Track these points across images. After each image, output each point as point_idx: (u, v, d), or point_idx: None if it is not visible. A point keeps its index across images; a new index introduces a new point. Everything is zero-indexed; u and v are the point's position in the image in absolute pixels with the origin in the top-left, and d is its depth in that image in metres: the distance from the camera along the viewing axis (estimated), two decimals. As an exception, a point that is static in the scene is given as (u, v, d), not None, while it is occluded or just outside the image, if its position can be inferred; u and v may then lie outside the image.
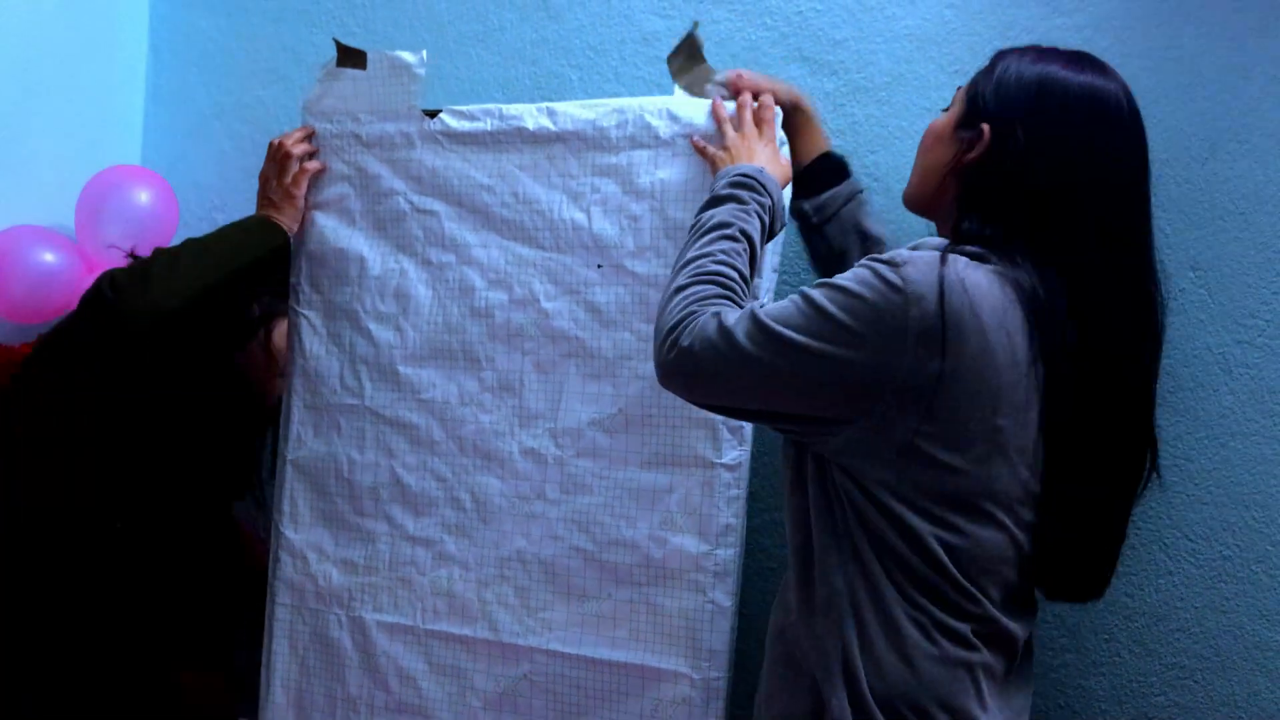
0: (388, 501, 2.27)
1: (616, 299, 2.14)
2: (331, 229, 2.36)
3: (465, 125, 2.28)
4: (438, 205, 2.29)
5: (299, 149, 2.34)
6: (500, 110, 2.26)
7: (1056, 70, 1.68)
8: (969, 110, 1.74)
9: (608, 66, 2.70)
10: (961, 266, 1.54)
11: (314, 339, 2.35)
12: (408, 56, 2.34)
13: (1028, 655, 1.75)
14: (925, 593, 1.58)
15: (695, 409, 1.91)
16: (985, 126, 1.68)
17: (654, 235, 2.12)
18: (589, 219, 2.17)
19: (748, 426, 2.05)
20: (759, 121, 2.07)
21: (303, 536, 2.32)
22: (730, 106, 2.10)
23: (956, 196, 1.73)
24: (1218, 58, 2.20)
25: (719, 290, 1.70)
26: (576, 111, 2.21)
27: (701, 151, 2.08)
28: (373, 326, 2.31)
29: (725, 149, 2.03)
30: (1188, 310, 2.20)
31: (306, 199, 2.35)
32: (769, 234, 1.90)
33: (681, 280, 1.73)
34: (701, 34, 2.20)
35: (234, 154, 3.08)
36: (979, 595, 1.59)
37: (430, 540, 2.24)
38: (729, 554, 2.03)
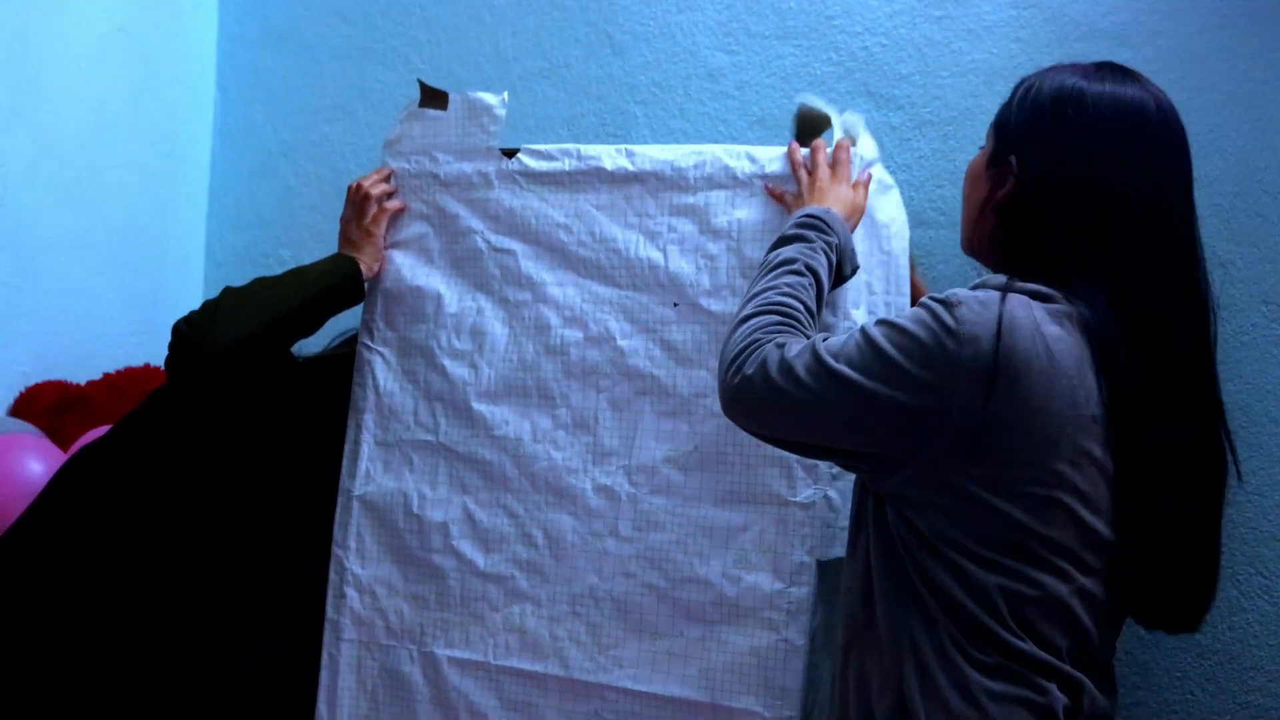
0: (458, 538, 2.27)
1: (693, 337, 2.14)
2: (409, 267, 2.37)
3: (543, 165, 2.30)
4: (514, 244, 2.31)
5: (377, 190, 2.35)
6: (578, 150, 2.28)
7: (1074, 83, 1.64)
8: (997, 145, 1.72)
9: (673, 103, 2.71)
10: (1018, 305, 1.52)
11: (388, 375, 2.36)
12: (488, 98, 2.36)
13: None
14: (985, 638, 1.54)
15: (769, 447, 1.93)
16: (1012, 159, 1.67)
17: (729, 274, 2.13)
18: (665, 258, 2.18)
19: (822, 465, 2.05)
20: (834, 163, 2.07)
21: (370, 572, 2.32)
22: (804, 151, 2.11)
23: (995, 235, 1.73)
24: (1289, 91, 2.20)
25: (782, 320, 1.70)
26: (655, 153, 2.23)
27: (778, 198, 2.09)
28: (448, 363, 2.31)
29: (798, 193, 2.05)
30: (1260, 345, 2.19)
31: (385, 238, 2.37)
32: (839, 275, 1.91)
33: (746, 311, 1.74)
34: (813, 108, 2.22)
35: (300, 190, 3.10)
36: (1044, 642, 1.56)
37: (501, 576, 2.23)
38: (803, 592, 2.03)
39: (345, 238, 2.36)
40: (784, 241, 1.87)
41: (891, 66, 2.52)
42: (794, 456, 2.02)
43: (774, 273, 1.80)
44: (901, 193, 2.41)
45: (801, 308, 1.75)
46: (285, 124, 3.16)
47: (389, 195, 2.38)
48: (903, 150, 2.49)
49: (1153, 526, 1.59)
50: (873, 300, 2.11)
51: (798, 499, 2.04)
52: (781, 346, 1.63)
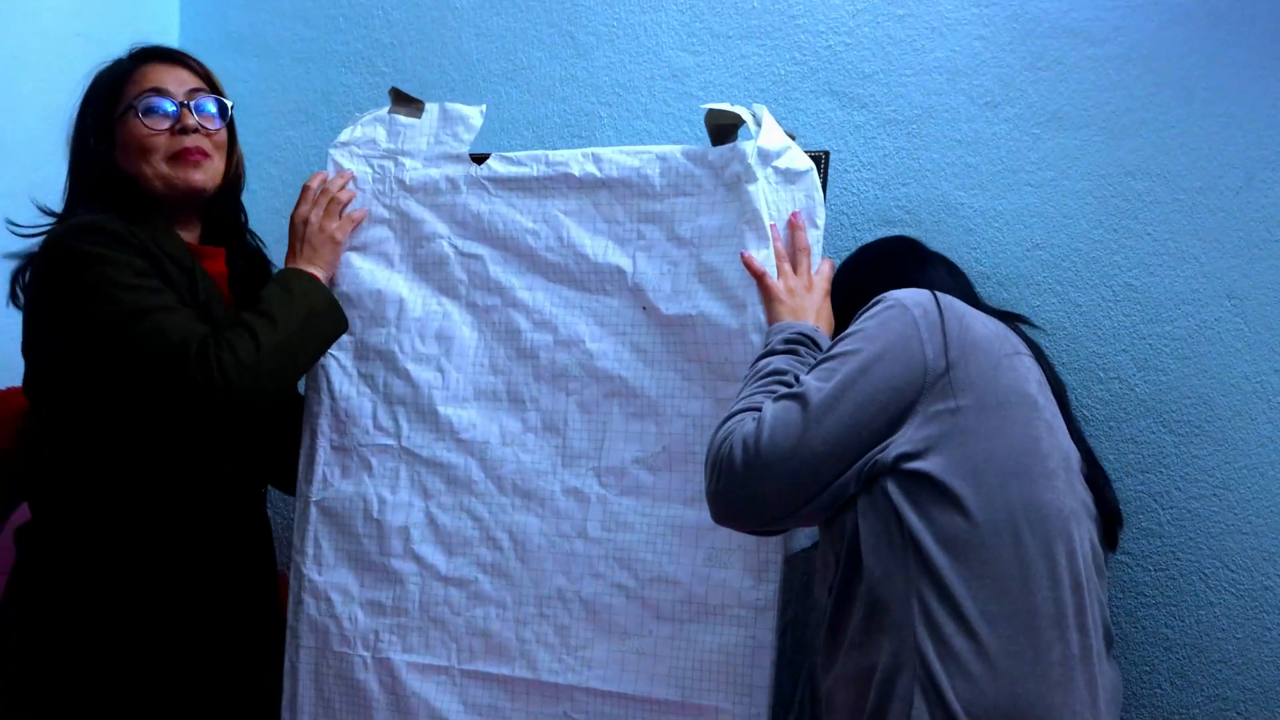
0: (418, 542, 2.26)
1: (661, 340, 2.14)
2: (368, 271, 2.35)
3: (511, 171, 2.29)
4: (483, 249, 2.30)
5: (345, 195, 2.32)
6: (546, 156, 2.27)
7: None
8: None
9: (637, 103, 2.71)
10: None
11: (343, 379, 2.34)
12: (466, 109, 2.36)
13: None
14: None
15: None
16: None
17: (688, 280, 2.13)
18: (634, 263, 2.17)
19: None
20: (815, 275, 2.06)
21: (327, 578, 2.30)
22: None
23: None
24: (1252, 87, 2.20)
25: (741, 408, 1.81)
26: (621, 159, 2.21)
27: (758, 278, 2.03)
28: (411, 367, 2.30)
29: (780, 295, 2.01)
30: (1224, 339, 2.20)
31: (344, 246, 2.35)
32: None
33: (730, 409, 1.82)
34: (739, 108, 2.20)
35: (264, 194, 3.08)
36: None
37: (464, 580, 2.23)
38: (770, 589, 2.02)
39: (304, 240, 2.29)
40: (774, 353, 1.90)
41: (855, 65, 2.52)
42: None
43: (764, 380, 1.84)
44: (865, 191, 2.44)
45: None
46: (248, 128, 3.11)
47: (350, 201, 2.35)
48: (867, 149, 2.50)
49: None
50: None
51: None
52: (747, 438, 1.72)
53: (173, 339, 1.99)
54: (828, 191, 2.21)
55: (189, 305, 2.11)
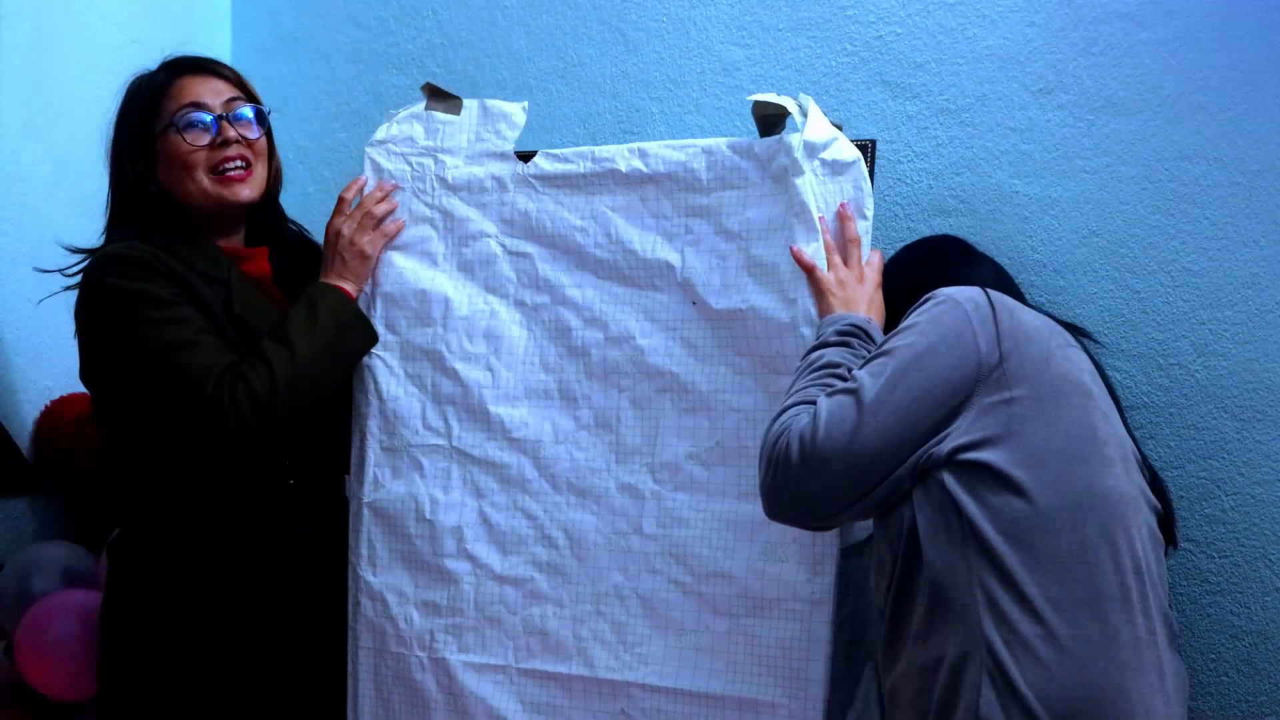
0: (472, 541, 2.26)
1: (712, 334, 2.13)
2: (411, 270, 2.34)
3: (558, 168, 2.27)
4: (531, 247, 2.29)
5: (380, 208, 2.31)
6: (593, 152, 2.25)
7: None
8: None
9: (688, 98, 2.71)
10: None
11: (390, 380, 2.33)
12: (507, 106, 2.34)
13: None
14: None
15: None
16: None
17: (738, 273, 2.11)
18: (682, 258, 2.16)
19: None
20: (866, 266, 2.05)
21: (382, 579, 2.30)
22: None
23: None
24: (1309, 68, 2.18)
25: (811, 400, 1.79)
26: (667, 153, 2.20)
27: (808, 271, 2.02)
28: (460, 367, 2.29)
29: (831, 288, 2.00)
30: (1285, 322, 2.18)
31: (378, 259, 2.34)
32: None
33: (785, 402, 1.82)
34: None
35: (318, 196, 3.10)
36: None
37: (520, 579, 2.23)
38: (825, 582, 2.01)
39: (335, 252, 2.28)
40: (826, 345, 1.90)
41: (906, 55, 2.51)
42: None
43: (818, 373, 1.84)
44: (919, 181, 2.43)
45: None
46: (301, 131, 3.16)
47: (390, 213, 2.33)
48: (920, 138, 2.49)
49: None
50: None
51: None
52: (814, 412, 1.73)
53: (192, 377, 2.05)
54: (877, 181, 2.21)
55: (222, 324, 2.15)
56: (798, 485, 1.72)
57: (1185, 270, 2.24)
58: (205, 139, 2.19)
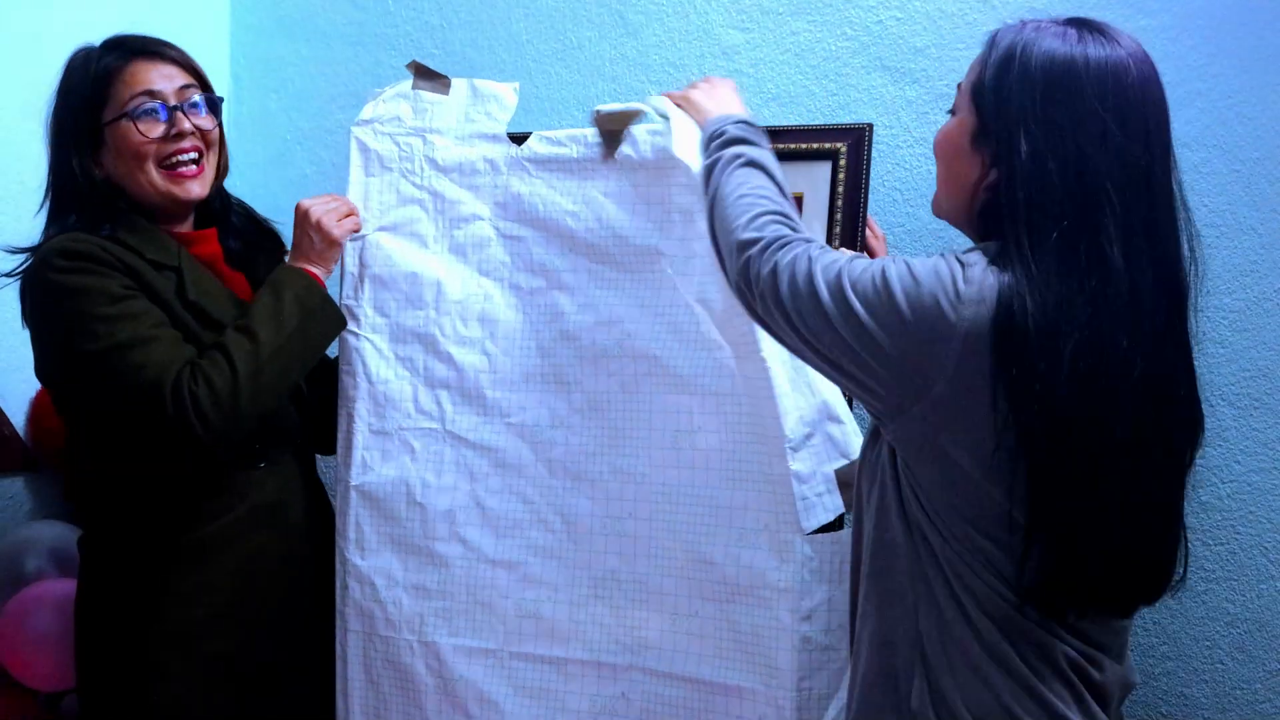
0: (464, 525, 2.26)
1: (694, 318, 2.12)
2: (401, 252, 2.33)
3: (551, 151, 2.27)
4: (525, 231, 2.28)
5: (340, 230, 2.26)
6: (585, 136, 2.24)
7: (1064, 53, 1.56)
8: (982, 121, 1.63)
9: (687, 81, 2.68)
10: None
11: (381, 363, 2.32)
12: (498, 86, 2.34)
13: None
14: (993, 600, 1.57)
15: (765, 424, 2.00)
16: (1002, 139, 1.58)
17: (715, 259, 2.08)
18: (671, 243, 2.16)
19: (791, 437, 2.01)
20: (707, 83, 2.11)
21: (370, 563, 2.30)
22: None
23: (978, 215, 1.66)
24: (1309, 55, 2.18)
25: (790, 221, 1.72)
26: (656, 140, 2.18)
27: (675, 100, 2.10)
28: (454, 350, 2.29)
29: (701, 101, 2.05)
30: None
31: (371, 222, 2.33)
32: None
33: (745, 191, 1.77)
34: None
35: (315, 178, 3.10)
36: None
37: (513, 563, 2.23)
38: (790, 570, 2.01)
39: (305, 234, 2.24)
40: (736, 141, 1.87)
41: (906, 40, 2.51)
42: (777, 432, 2.00)
43: (755, 172, 1.81)
44: (919, 166, 2.43)
45: (791, 207, 1.77)
46: (300, 112, 3.16)
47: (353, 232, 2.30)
48: (919, 123, 2.48)
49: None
50: None
51: (782, 471, 2.02)
52: (810, 259, 1.62)
53: (149, 376, 1.97)
54: (877, 166, 2.21)
55: (178, 313, 2.10)
56: (788, 305, 1.65)
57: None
58: (158, 130, 2.12)
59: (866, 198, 2.17)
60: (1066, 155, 1.53)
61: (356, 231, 2.30)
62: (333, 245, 2.23)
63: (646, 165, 2.18)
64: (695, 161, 1.99)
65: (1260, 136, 2.19)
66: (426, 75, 2.35)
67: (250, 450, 2.21)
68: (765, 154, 1.84)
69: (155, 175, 2.13)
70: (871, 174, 2.19)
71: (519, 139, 2.30)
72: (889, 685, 1.64)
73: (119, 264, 2.05)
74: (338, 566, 2.33)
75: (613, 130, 2.19)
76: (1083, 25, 1.60)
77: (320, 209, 2.24)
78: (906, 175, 2.49)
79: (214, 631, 2.16)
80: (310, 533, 2.32)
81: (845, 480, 1.99)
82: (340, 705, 2.32)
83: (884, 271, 1.56)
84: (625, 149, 2.19)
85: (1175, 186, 1.60)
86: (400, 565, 2.28)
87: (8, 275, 2.13)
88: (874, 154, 2.19)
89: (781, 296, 1.62)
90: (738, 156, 1.83)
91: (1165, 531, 1.60)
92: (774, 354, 1.99)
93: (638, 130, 2.19)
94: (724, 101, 2.02)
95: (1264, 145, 2.19)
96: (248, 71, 3.22)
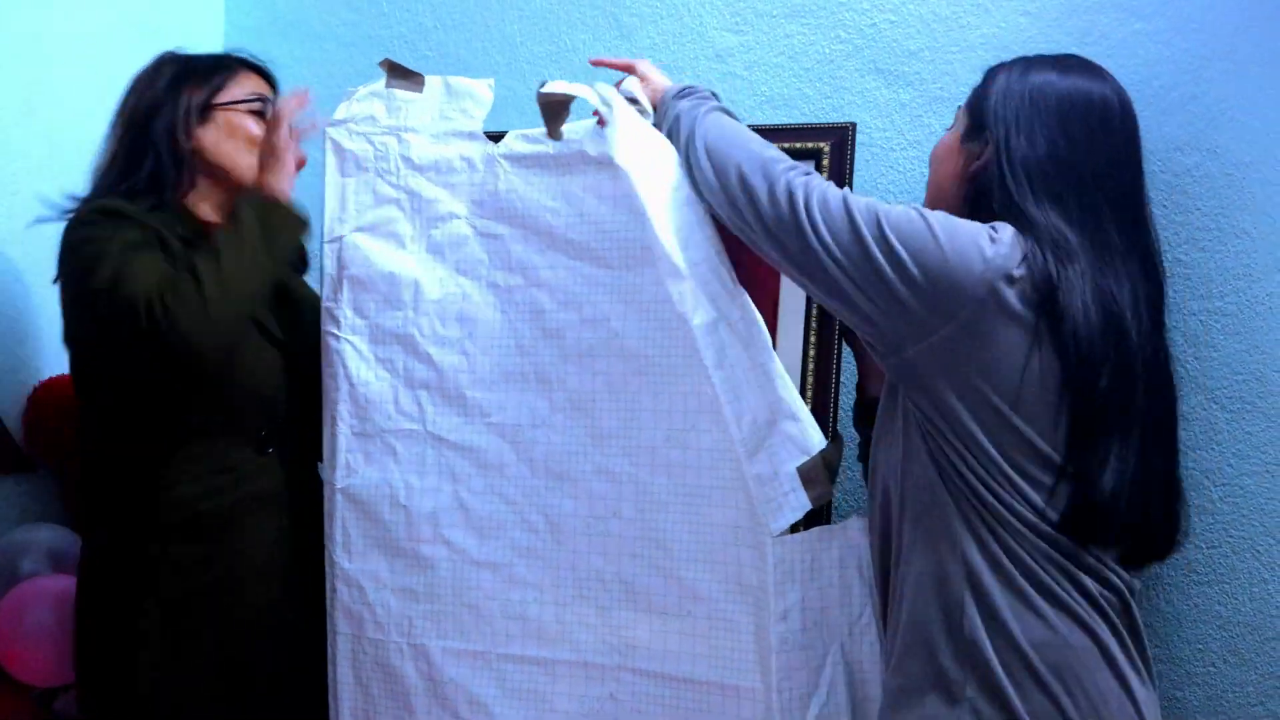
0: (448, 526, 2.25)
1: (683, 315, 2.09)
2: (378, 253, 2.32)
3: (528, 148, 2.26)
4: (503, 228, 2.27)
5: (297, 116, 2.31)
6: (565, 133, 2.23)
7: (1046, 78, 1.86)
8: (972, 124, 1.92)
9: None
10: None
11: (361, 365, 2.31)
12: (473, 83, 2.32)
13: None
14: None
15: (759, 422, 2.01)
16: (988, 134, 1.86)
17: (706, 250, 2.08)
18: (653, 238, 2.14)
19: (777, 445, 2.01)
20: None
21: (357, 565, 2.30)
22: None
23: (966, 202, 1.91)
24: (1302, 60, 2.18)
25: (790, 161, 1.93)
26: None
27: (626, 69, 2.25)
28: (433, 351, 2.28)
29: (650, 72, 2.24)
30: (1276, 314, 2.17)
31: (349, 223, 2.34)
32: None
33: (746, 137, 1.97)
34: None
35: (309, 178, 3.07)
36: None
37: (498, 564, 2.23)
38: (765, 567, 2.01)
39: (259, 155, 2.29)
40: (711, 98, 2.11)
41: (900, 43, 2.51)
42: (780, 431, 2.00)
43: (738, 128, 2.01)
44: (912, 169, 2.43)
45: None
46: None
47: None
48: (913, 126, 2.49)
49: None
50: None
51: (752, 471, 2.02)
52: (841, 191, 1.84)
53: (133, 288, 2.04)
54: (870, 168, 2.24)
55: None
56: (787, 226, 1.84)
57: (1177, 261, 2.24)
58: (260, 131, 2.30)
59: (849, 197, 2.17)
60: (1054, 138, 1.81)
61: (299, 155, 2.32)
62: (279, 158, 2.27)
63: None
64: (633, 164, 2.04)
65: (1252, 140, 2.19)
66: (400, 73, 2.34)
67: (257, 435, 2.26)
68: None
69: (254, 161, 2.25)
70: (859, 176, 2.20)
71: (496, 138, 2.29)
72: (941, 620, 1.75)
73: (143, 225, 2.15)
74: (327, 569, 2.33)
75: (553, 108, 2.19)
76: (1074, 60, 1.91)
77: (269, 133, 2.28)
78: (899, 178, 2.49)
79: (214, 627, 2.18)
80: (311, 528, 2.33)
81: (809, 477, 1.99)
82: (330, 708, 2.32)
83: (914, 208, 1.78)
84: (604, 145, 2.14)
85: (1144, 207, 1.87)
86: (387, 568, 2.28)
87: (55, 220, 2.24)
88: (866, 157, 2.21)
89: (822, 213, 1.80)
90: (718, 106, 2.04)
91: (1170, 483, 1.87)
92: (714, 362, 2.02)
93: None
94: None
95: (1256, 149, 2.19)
96: (242, 72, 3.21)
